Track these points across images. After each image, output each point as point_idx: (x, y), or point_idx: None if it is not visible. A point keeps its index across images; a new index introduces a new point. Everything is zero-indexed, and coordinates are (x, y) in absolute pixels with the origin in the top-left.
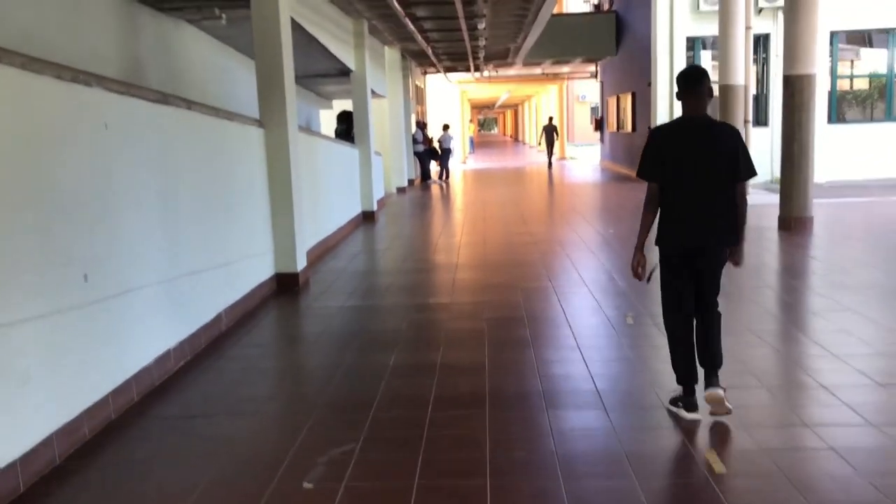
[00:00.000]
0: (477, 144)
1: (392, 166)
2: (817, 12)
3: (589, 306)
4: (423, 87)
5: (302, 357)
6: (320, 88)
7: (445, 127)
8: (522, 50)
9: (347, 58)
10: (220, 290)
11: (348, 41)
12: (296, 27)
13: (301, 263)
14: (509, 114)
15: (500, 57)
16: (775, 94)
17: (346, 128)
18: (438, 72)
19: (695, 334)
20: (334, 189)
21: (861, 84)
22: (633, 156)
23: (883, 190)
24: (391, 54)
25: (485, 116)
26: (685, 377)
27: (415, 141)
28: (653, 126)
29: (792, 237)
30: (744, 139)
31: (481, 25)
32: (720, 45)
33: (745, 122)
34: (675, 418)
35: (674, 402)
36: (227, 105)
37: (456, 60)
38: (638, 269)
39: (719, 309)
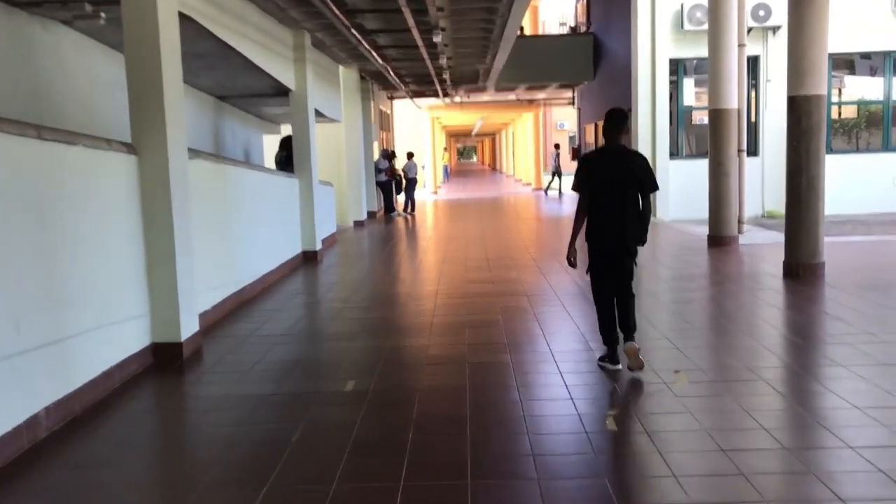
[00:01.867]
0: (454, 173)
1: (349, 197)
2: (827, 23)
3: (557, 399)
4: (389, 112)
5: (131, 488)
6: (263, 111)
7: (409, 155)
8: (493, 72)
9: (284, 74)
10: (42, 381)
11: (286, 55)
12: (207, 35)
13: (189, 329)
14: (487, 142)
15: (469, 80)
16: (767, 121)
17: (289, 154)
18: (405, 96)
19: (616, 308)
20: (259, 227)
21: (847, 112)
22: None
23: (885, 227)
24: (347, 74)
25: (463, 145)
26: (608, 338)
27: (377, 170)
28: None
29: (801, 288)
30: (651, 164)
31: (437, 38)
32: (710, 64)
33: (739, 151)
34: (604, 370)
35: (602, 359)
36: (119, 126)
37: (422, 84)
38: (570, 259)
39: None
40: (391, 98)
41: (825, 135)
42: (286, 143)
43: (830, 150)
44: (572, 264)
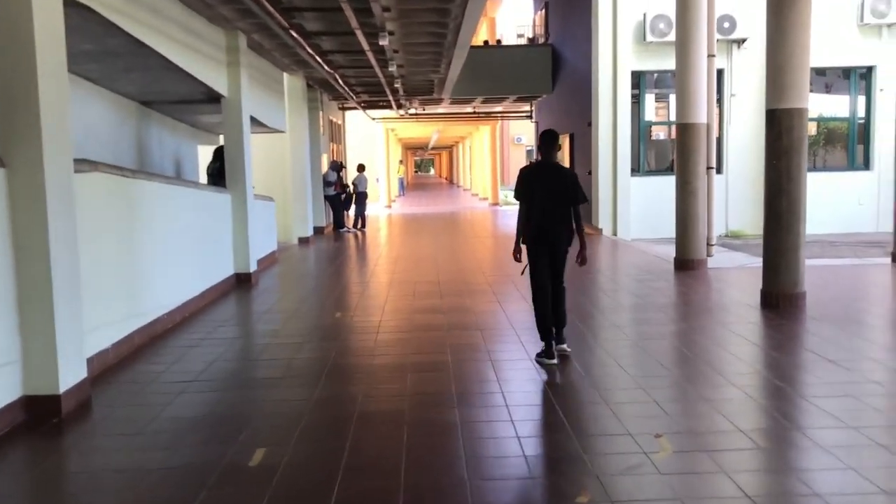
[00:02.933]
0: (410, 186)
1: (293, 212)
2: (809, 32)
3: (513, 478)
4: (340, 123)
5: None
6: (198, 119)
7: (360, 167)
8: (448, 83)
9: (215, 79)
10: None
11: (217, 58)
12: (118, 31)
13: (71, 377)
14: (444, 155)
15: (424, 91)
16: (731, 136)
17: (222, 165)
18: (357, 107)
19: (550, 302)
20: (178, 249)
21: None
22: None
23: (855, 248)
24: (293, 82)
25: (421, 158)
26: (544, 335)
27: (326, 183)
28: (590, 170)
29: (782, 322)
30: (579, 181)
31: (384, 42)
32: (678, 76)
33: (708, 168)
34: (541, 365)
35: (538, 355)
36: None
37: (374, 94)
38: (516, 256)
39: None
40: (343, 108)
41: (806, 152)
42: (220, 154)
43: None
44: (518, 260)
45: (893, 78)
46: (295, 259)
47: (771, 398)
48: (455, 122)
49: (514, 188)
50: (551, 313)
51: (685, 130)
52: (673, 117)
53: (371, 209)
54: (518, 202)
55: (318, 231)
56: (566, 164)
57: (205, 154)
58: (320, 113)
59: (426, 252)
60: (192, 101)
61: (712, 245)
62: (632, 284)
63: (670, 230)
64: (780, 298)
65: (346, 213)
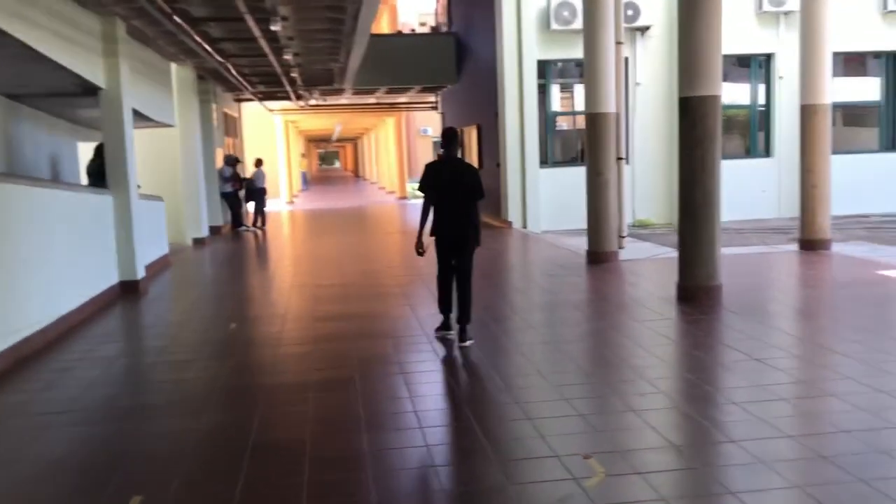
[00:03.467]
0: (315, 180)
1: (186, 212)
2: (720, 18)
3: None
4: (236, 116)
5: None
6: (77, 114)
7: (258, 162)
8: (349, 72)
9: (90, 69)
10: None
11: (92, 47)
12: None
13: None
14: (349, 148)
15: (323, 81)
16: (637, 125)
17: (103, 164)
18: (253, 99)
19: (456, 296)
20: (47, 258)
21: None
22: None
23: (761, 236)
24: (182, 73)
25: (325, 150)
26: (444, 310)
27: (222, 179)
28: (498, 162)
29: (701, 317)
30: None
31: (276, 27)
32: (586, 65)
33: (619, 159)
34: (443, 340)
35: (438, 329)
36: None
37: (270, 85)
38: (418, 249)
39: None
40: (238, 100)
41: (720, 141)
42: (101, 151)
43: None
44: (420, 253)
45: (791, 65)
46: (188, 263)
47: (700, 405)
48: (358, 113)
49: (420, 180)
50: (451, 294)
51: (595, 120)
52: (579, 107)
53: (272, 205)
54: (423, 194)
55: (215, 231)
56: (474, 156)
57: (87, 152)
58: (213, 105)
59: (330, 251)
60: (67, 94)
61: (624, 237)
62: (545, 280)
63: (580, 222)
64: (696, 292)
65: (244, 210)
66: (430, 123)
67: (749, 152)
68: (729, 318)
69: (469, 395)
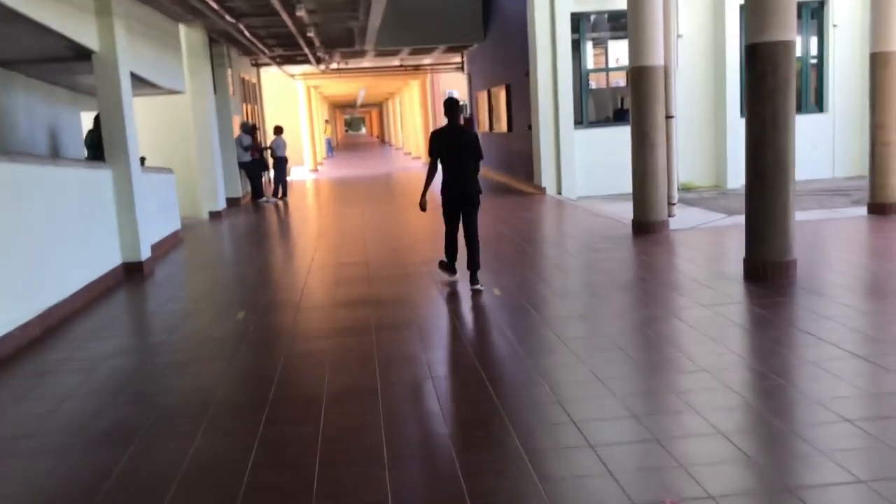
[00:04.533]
0: (341, 146)
1: (201, 184)
2: None
3: None
4: (255, 81)
5: None
6: (77, 81)
7: (278, 130)
8: (370, 32)
9: (79, 30)
10: None
11: (82, 5)
12: None
13: None
14: (374, 113)
15: (344, 43)
16: (680, 79)
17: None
18: (272, 63)
19: (468, 249)
20: (32, 244)
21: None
22: (512, 161)
23: (819, 199)
24: (192, 36)
25: (351, 116)
26: (450, 254)
27: (242, 148)
28: (530, 124)
29: (777, 298)
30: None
31: None
32: (630, 13)
33: (668, 117)
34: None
35: (441, 264)
36: None
37: (289, 48)
38: (422, 206)
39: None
40: (256, 65)
41: (794, 94)
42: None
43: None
44: (423, 209)
45: (847, 13)
46: (202, 239)
47: (805, 421)
48: (382, 76)
49: (427, 145)
50: (457, 245)
51: (641, 75)
52: (612, 63)
53: (296, 174)
54: (429, 158)
55: (234, 203)
56: (503, 118)
57: (89, 122)
58: (228, 70)
59: (353, 224)
60: (59, 60)
61: (673, 204)
62: (588, 255)
63: (619, 186)
64: (767, 268)
65: (266, 180)
66: (455, 86)
67: (800, 108)
68: (810, 301)
69: (515, 408)
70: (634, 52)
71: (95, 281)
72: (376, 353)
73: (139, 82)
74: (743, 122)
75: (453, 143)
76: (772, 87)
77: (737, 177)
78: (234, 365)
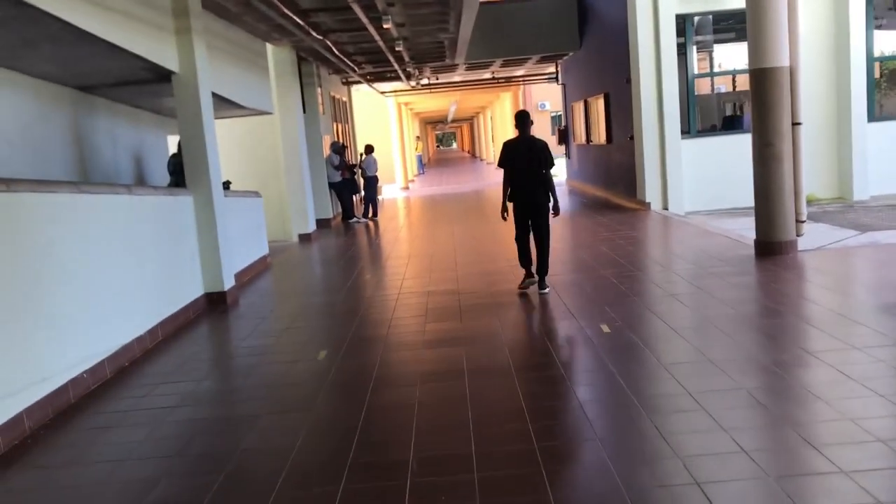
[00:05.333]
0: (432, 162)
1: (290, 206)
2: None
3: None
4: (346, 100)
5: None
6: (162, 104)
7: (369, 149)
8: (460, 44)
9: (158, 50)
10: None
11: (160, 24)
12: None
13: None
14: (465, 128)
15: (434, 57)
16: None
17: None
18: (362, 81)
19: (533, 253)
20: (106, 279)
21: None
22: (612, 174)
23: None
24: (280, 55)
25: (442, 132)
26: (526, 265)
27: (332, 168)
28: (632, 135)
29: None
30: (549, 148)
31: None
32: (750, 10)
33: (795, 124)
34: (523, 288)
35: (521, 284)
36: None
37: (379, 65)
38: (503, 215)
39: (549, 243)
40: (347, 83)
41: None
42: None
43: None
44: (504, 218)
45: None
46: (291, 264)
47: None
48: (473, 91)
49: (499, 156)
50: (529, 251)
51: (763, 77)
52: (717, 68)
53: (387, 192)
54: (503, 169)
55: (324, 224)
56: (602, 129)
57: (175, 146)
58: (318, 89)
59: (445, 245)
60: (142, 82)
61: (802, 221)
62: (707, 282)
63: (731, 200)
64: None
65: (357, 201)
66: (548, 97)
67: None
68: None
69: (641, 492)
70: (756, 52)
71: (174, 314)
72: (470, 407)
73: (224, 103)
74: (872, 127)
75: (524, 153)
76: None
77: (864, 188)
78: (311, 419)
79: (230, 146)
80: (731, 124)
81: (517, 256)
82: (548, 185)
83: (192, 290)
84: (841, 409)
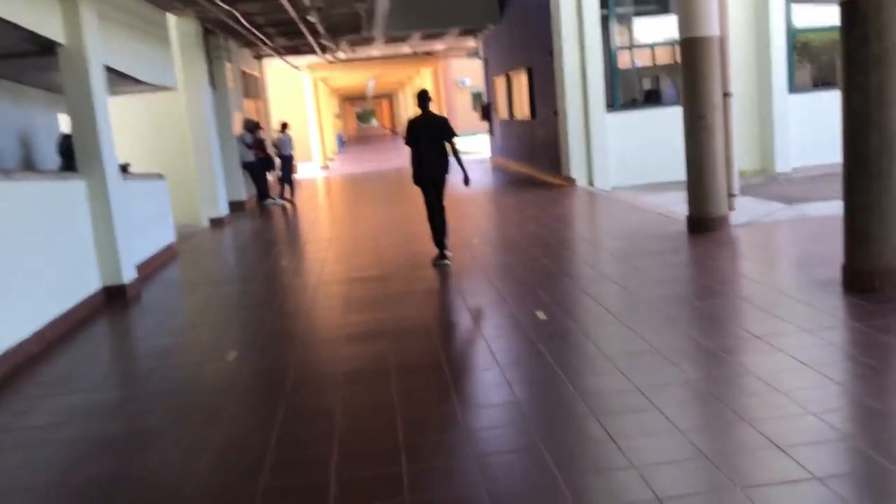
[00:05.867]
0: (352, 140)
1: (200, 189)
2: None
3: None
4: (258, 75)
5: None
6: (51, 79)
7: (283, 126)
8: (377, 16)
9: (39, 19)
10: None
11: None
12: None
13: None
14: (385, 104)
15: (350, 30)
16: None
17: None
18: (274, 55)
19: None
20: None
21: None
22: (536, 150)
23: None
24: (183, 27)
25: (362, 109)
26: (438, 243)
27: (245, 147)
28: (556, 110)
29: (890, 320)
30: (449, 123)
31: None
32: None
33: (725, 95)
34: (436, 266)
35: (434, 259)
36: None
37: (292, 37)
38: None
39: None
40: (259, 57)
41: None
42: None
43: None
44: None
45: None
46: (200, 251)
47: None
48: (392, 65)
49: (405, 134)
50: (439, 225)
51: (694, 47)
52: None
53: (305, 171)
54: (409, 146)
55: (238, 207)
56: (525, 105)
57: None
58: (228, 64)
59: (366, 227)
60: (24, 55)
61: (734, 195)
62: (642, 262)
63: (657, 174)
64: (874, 279)
65: (271, 181)
66: (469, 73)
67: None
68: None
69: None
70: (686, 21)
71: (66, 313)
72: (398, 411)
73: (120, 78)
74: (793, 98)
75: (426, 129)
76: (878, 53)
77: (787, 160)
78: (218, 434)
79: (131, 125)
80: (652, 99)
81: (431, 236)
82: (456, 157)
83: (88, 285)
84: (810, 405)
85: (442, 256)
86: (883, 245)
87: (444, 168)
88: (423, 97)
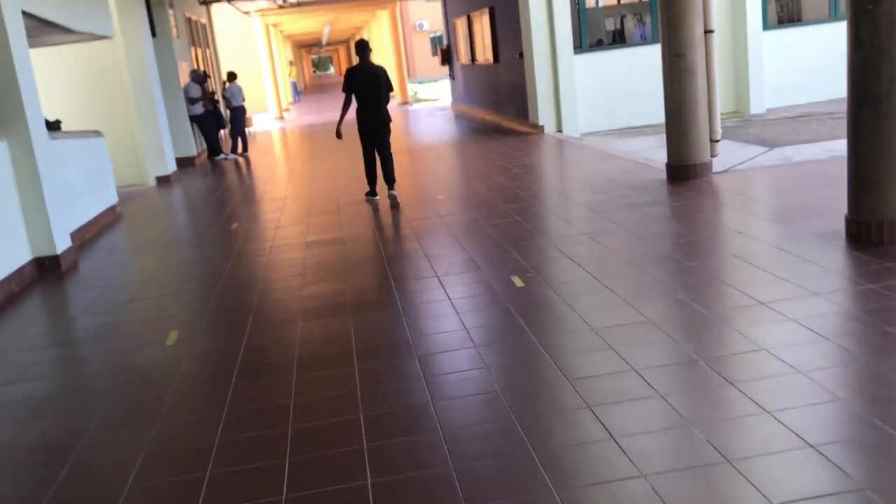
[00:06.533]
0: (309, 89)
1: (144, 146)
2: None
3: None
4: (205, 22)
5: None
6: None
7: (231, 76)
8: None
9: None
10: None
11: None
12: None
13: None
14: (342, 51)
15: None
16: None
17: None
18: (221, 0)
19: (380, 167)
20: None
21: None
22: (501, 96)
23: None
24: None
25: (318, 56)
26: (370, 182)
27: (190, 100)
28: (521, 52)
29: None
30: (387, 74)
31: None
32: None
33: (707, 32)
34: (370, 202)
35: (367, 195)
36: None
37: None
38: (338, 133)
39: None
40: (205, 3)
41: None
42: None
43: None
44: (339, 137)
45: None
46: (145, 213)
47: None
48: (347, 9)
49: (343, 83)
50: (375, 169)
51: None
52: None
53: (259, 123)
54: (345, 93)
55: (187, 163)
56: (488, 47)
57: None
58: (170, 10)
59: (323, 184)
60: None
61: (717, 141)
62: (621, 216)
63: (629, 119)
64: (883, 231)
65: (222, 134)
66: (426, 17)
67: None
68: None
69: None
70: None
71: None
72: (360, 402)
73: (47, 27)
74: (767, 36)
75: (365, 79)
76: None
77: (761, 101)
78: (152, 437)
79: (63, 80)
80: (620, 38)
81: (365, 175)
82: (386, 109)
83: (15, 257)
84: (834, 387)
85: (372, 192)
86: (893, 193)
87: (386, 115)
88: (362, 46)
